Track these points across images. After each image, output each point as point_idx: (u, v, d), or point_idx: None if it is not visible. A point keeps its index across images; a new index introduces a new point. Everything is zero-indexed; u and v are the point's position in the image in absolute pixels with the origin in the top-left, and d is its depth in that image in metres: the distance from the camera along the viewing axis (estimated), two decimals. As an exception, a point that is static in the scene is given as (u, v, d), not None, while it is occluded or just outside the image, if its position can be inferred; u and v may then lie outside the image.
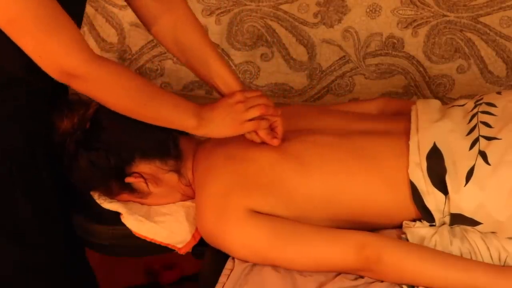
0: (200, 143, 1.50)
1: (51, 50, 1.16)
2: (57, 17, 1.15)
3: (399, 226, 1.31)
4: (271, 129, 1.38)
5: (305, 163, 1.34)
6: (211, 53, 1.43)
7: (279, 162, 1.35)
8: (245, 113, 1.35)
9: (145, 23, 1.44)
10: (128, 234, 1.44)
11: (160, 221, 1.43)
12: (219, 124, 1.33)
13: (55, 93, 1.38)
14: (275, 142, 1.37)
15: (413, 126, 1.34)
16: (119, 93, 1.25)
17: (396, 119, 1.44)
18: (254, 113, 1.35)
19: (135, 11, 1.44)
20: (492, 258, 1.25)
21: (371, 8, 1.92)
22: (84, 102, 1.39)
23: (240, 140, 1.39)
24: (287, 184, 1.32)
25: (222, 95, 1.41)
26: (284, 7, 1.94)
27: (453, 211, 1.25)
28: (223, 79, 1.41)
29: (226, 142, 1.41)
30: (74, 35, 1.18)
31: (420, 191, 1.26)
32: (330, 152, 1.35)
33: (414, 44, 1.95)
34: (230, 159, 1.38)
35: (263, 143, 1.38)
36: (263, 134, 1.37)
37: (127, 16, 1.97)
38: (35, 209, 1.35)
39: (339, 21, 1.94)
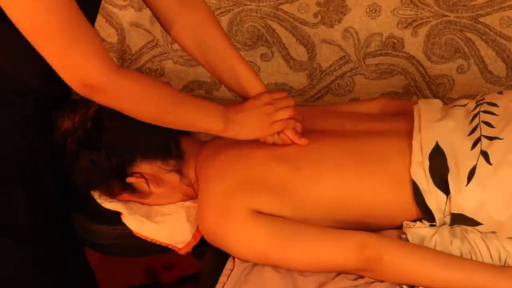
0: (203, 143, 1.51)
1: (73, 61, 1.13)
2: (81, 28, 1.13)
3: (400, 226, 1.32)
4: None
5: (320, 170, 1.33)
6: (234, 55, 1.42)
7: (293, 166, 1.34)
8: (274, 115, 1.35)
9: (164, 23, 1.42)
10: (129, 234, 1.44)
11: (160, 221, 1.43)
12: (247, 126, 1.34)
13: (60, 101, 1.38)
14: (304, 141, 1.37)
15: (415, 125, 1.34)
16: (142, 102, 1.23)
17: (398, 119, 1.44)
18: (283, 115, 1.36)
19: (153, 11, 1.42)
20: (492, 258, 1.25)
21: (371, 8, 1.92)
22: (85, 102, 1.39)
23: (250, 141, 1.39)
24: (298, 189, 1.32)
25: (242, 97, 1.41)
26: (284, 7, 1.94)
27: (454, 211, 1.25)
28: (248, 81, 1.41)
29: (234, 142, 1.40)
30: (96, 46, 1.16)
31: (421, 190, 1.26)
32: (346, 159, 1.34)
33: (414, 44, 1.95)
34: (240, 159, 1.38)
35: (270, 144, 1.37)
36: (291, 134, 1.37)
37: (127, 16, 1.97)
38: (35, 209, 1.35)
39: (339, 21, 1.94)
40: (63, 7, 1.10)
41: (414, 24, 1.93)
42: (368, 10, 1.92)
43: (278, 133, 1.37)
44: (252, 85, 1.41)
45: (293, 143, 1.37)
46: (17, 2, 1.08)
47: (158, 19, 1.43)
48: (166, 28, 1.43)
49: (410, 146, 1.30)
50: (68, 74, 1.15)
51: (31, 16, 1.09)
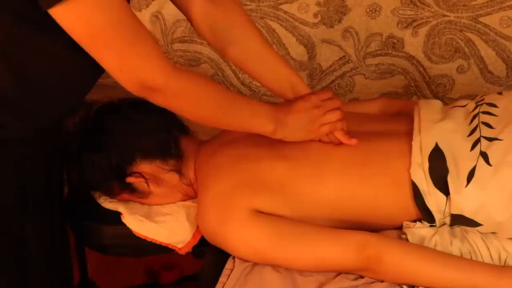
0: (202, 142, 1.51)
1: (132, 64, 1.12)
2: (138, 30, 1.12)
3: (400, 227, 1.31)
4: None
5: (322, 169, 1.34)
6: (277, 57, 1.42)
7: (293, 165, 1.34)
8: (322, 118, 1.35)
9: (212, 41, 1.41)
10: (129, 234, 1.44)
11: (160, 221, 1.43)
12: (296, 128, 1.34)
13: None
14: (353, 141, 1.36)
15: (415, 126, 1.34)
16: (199, 103, 1.23)
17: (398, 119, 1.44)
18: (332, 117, 1.36)
19: (197, 29, 1.41)
20: (492, 259, 1.24)
21: (371, 8, 1.92)
22: (85, 102, 1.39)
23: (249, 140, 1.39)
24: (298, 188, 1.32)
25: (285, 98, 1.41)
26: (284, 7, 1.94)
27: (454, 212, 1.25)
28: (292, 83, 1.40)
29: (233, 141, 1.41)
30: (154, 47, 1.15)
31: (421, 191, 1.26)
32: (348, 159, 1.34)
33: (414, 44, 1.95)
34: (239, 159, 1.37)
35: (275, 143, 1.37)
36: (340, 135, 1.36)
37: (127, 16, 1.96)
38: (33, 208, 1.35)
39: (339, 21, 1.94)
40: (119, 11, 1.08)
41: (414, 24, 1.93)
42: (368, 10, 1.92)
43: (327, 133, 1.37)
44: (295, 88, 1.40)
45: (341, 143, 1.37)
46: (72, 10, 1.04)
47: (201, 34, 1.41)
48: (213, 45, 1.42)
49: (410, 147, 1.30)
50: (127, 77, 1.13)
51: (88, 22, 1.07)
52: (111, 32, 1.08)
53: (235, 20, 1.39)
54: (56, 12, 1.04)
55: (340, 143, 1.37)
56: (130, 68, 1.12)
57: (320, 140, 1.38)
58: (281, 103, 1.40)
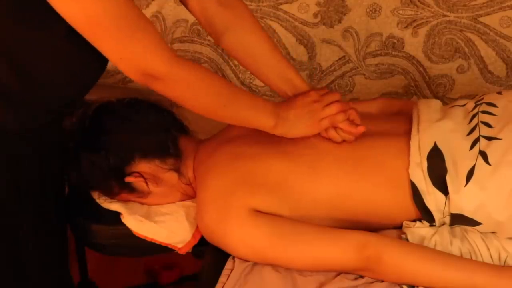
0: (201, 142, 1.51)
1: (133, 52, 1.12)
2: (138, 18, 1.12)
3: (399, 226, 1.31)
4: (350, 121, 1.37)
5: (316, 167, 1.34)
6: (275, 53, 1.42)
7: (289, 163, 1.34)
8: (322, 112, 1.35)
9: (213, 33, 1.41)
10: (128, 234, 1.44)
11: (160, 221, 1.43)
12: (297, 123, 1.34)
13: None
14: (361, 128, 1.36)
15: (414, 126, 1.34)
16: (200, 94, 1.23)
17: (397, 119, 1.44)
18: (331, 110, 1.36)
19: (203, 24, 1.41)
20: (492, 258, 1.24)
21: (371, 8, 1.92)
22: (84, 102, 1.39)
23: (246, 138, 1.39)
24: (294, 186, 1.32)
25: (285, 95, 1.41)
26: (284, 7, 1.94)
27: (453, 211, 1.25)
28: (290, 80, 1.41)
29: (231, 140, 1.41)
30: (155, 36, 1.15)
31: (420, 191, 1.26)
32: (341, 156, 1.35)
33: (414, 44, 1.95)
34: (236, 157, 1.37)
35: (272, 141, 1.37)
36: (345, 126, 1.36)
37: (127, 16, 1.96)
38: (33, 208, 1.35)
39: (339, 21, 1.94)
40: None
41: (414, 24, 1.93)
42: (368, 10, 1.92)
43: (334, 128, 1.36)
44: (294, 84, 1.40)
45: (350, 133, 1.36)
46: None
47: (206, 29, 1.43)
48: (214, 38, 1.43)
49: (409, 146, 1.30)
50: (127, 65, 1.14)
51: (88, 10, 1.07)
52: (110, 20, 1.09)
53: (233, 12, 1.39)
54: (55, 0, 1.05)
55: (340, 142, 1.37)
56: (130, 56, 1.12)
57: (320, 135, 1.37)
58: (282, 101, 1.40)
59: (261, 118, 1.30)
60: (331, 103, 1.36)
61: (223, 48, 1.44)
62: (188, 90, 1.21)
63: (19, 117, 1.20)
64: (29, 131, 1.25)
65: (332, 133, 1.37)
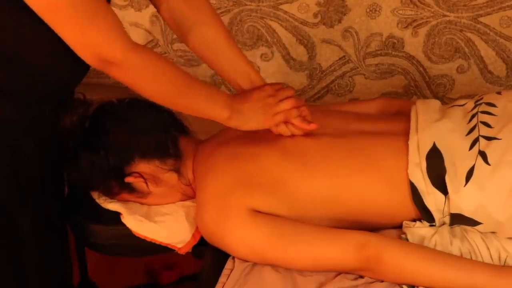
0: (200, 142, 1.51)
1: (90, 38, 1.13)
2: (97, 5, 1.13)
3: (399, 226, 1.31)
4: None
5: (308, 163, 1.34)
6: (233, 48, 1.43)
7: (282, 162, 1.35)
8: (276, 107, 1.36)
9: (176, 29, 1.43)
10: (128, 234, 1.44)
11: (160, 221, 1.43)
12: (250, 116, 1.34)
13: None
14: (312, 125, 1.37)
15: (412, 126, 1.34)
16: (156, 82, 1.23)
17: (396, 119, 1.44)
18: (285, 106, 1.36)
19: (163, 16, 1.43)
20: (492, 258, 1.24)
21: (371, 8, 1.92)
22: (84, 101, 1.39)
23: (243, 139, 1.40)
24: (290, 184, 1.32)
25: (241, 89, 1.41)
26: (284, 7, 1.94)
27: (453, 211, 1.25)
28: (247, 74, 1.41)
29: (229, 141, 1.41)
30: (114, 22, 1.16)
31: (419, 191, 1.26)
32: (332, 152, 1.35)
33: (414, 44, 1.95)
34: (233, 158, 1.38)
35: (271, 141, 1.38)
36: (298, 122, 1.37)
37: (127, 16, 1.97)
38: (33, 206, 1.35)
39: (339, 21, 1.94)
40: None
41: (414, 24, 1.93)
42: (368, 10, 1.92)
43: (285, 123, 1.38)
44: (251, 79, 1.41)
45: (302, 130, 1.38)
46: None
47: (176, 31, 1.44)
48: (182, 38, 1.44)
49: (407, 146, 1.30)
50: (85, 51, 1.15)
51: None
52: (68, 6, 1.09)
53: (197, 10, 1.40)
54: None
55: (303, 134, 1.38)
56: (87, 41, 1.13)
57: (281, 134, 1.39)
58: (237, 93, 1.41)
59: (215, 109, 1.31)
60: (285, 98, 1.37)
61: (190, 48, 1.45)
62: (143, 77, 1.21)
63: (14, 106, 1.21)
64: (26, 120, 1.25)
65: (282, 128, 1.38)
